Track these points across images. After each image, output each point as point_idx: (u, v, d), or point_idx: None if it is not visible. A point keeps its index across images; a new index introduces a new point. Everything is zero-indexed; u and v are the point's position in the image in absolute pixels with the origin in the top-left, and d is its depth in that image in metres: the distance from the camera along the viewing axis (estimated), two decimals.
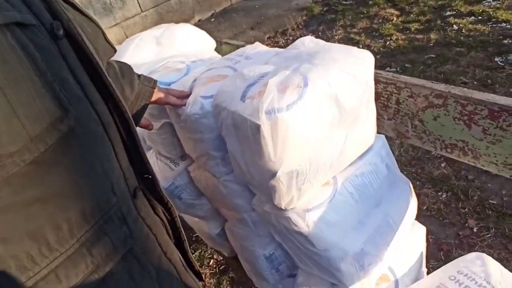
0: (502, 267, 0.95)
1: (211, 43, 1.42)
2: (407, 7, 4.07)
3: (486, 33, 3.30)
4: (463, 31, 3.41)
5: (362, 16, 4.11)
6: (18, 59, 0.42)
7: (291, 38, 4.16)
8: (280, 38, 4.24)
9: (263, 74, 0.88)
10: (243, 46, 1.30)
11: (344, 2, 4.60)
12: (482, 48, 3.11)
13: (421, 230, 1.07)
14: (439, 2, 4.00)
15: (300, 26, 4.37)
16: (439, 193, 2.07)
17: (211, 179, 1.08)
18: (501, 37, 3.20)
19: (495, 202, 1.95)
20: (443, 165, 2.24)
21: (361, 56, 0.86)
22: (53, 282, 0.49)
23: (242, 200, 1.06)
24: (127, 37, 1.36)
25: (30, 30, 0.44)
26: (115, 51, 0.75)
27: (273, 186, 0.84)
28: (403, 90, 1.04)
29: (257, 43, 1.20)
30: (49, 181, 0.47)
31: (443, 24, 3.60)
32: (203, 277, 1.31)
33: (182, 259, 0.75)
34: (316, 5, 4.68)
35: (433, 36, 3.42)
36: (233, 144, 0.90)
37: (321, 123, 0.81)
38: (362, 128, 0.91)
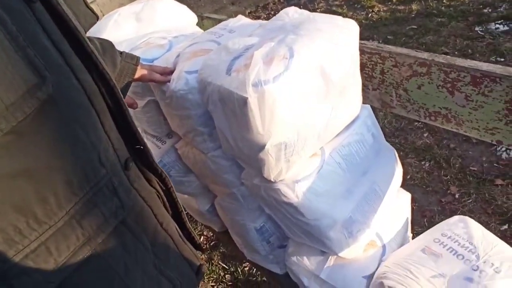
0: (483, 228, 0.99)
1: (193, 18, 1.39)
2: None
3: (467, 2, 3.31)
4: (444, 1, 3.41)
5: None
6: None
7: (272, 12, 4.11)
8: (262, 12, 4.18)
9: (248, 47, 0.87)
10: (225, 20, 1.28)
11: None
12: (462, 18, 3.13)
13: (406, 196, 1.10)
14: None
15: (282, 0, 4.31)
16: (422, 162, 2.12)
17: (199, 155, 1.08)
18: (481, 6, 3.22)
19: (475, 169, 2.01)
20: (425, 135, 2.29)
21: (346, 26, 0.86)
22: (44, 254, 0.49)
23: (231, 175, 1.07)
24: (103, 15, 1.31)
25: None
26: (97, 18, 0.72)
27: (261, 159, 0.85)
28: (387, 60, 1.04)
29: (240, 16, 1.18)
30: (32, 153, 0.46)
31: None
32: None
33: (180, 231, 0.76)
34: None
35: (414, 7, 3.42)
36: (221, 119, 0.89)
37: (308, 94, 0.82)
38: (348, 99, 0.92)
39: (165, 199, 0.73)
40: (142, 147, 0.66)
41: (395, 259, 0.95)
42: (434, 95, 0.99)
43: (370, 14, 3.52)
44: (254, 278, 1.78)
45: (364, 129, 0.98)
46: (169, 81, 0.98)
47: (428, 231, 1.03)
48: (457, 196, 1.90)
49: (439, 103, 0.99)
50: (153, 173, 0.69)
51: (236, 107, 0.80)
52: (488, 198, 1.83)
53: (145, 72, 0.96)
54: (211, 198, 1.29)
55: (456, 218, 1.03)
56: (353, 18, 3.43)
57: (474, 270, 0.88)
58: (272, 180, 0.89)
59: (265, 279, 1.75)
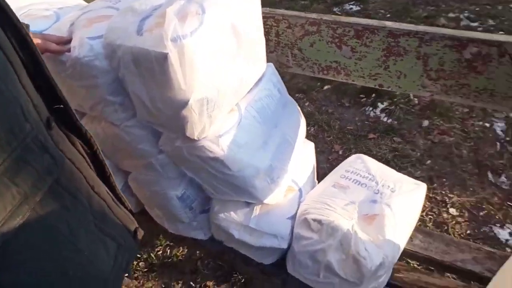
0: (376, 161, 1.17)
1: None
2: None
3: None
4: None
5: None
6: None
7: None
8: None
9: (155, 7, 0.86)
10: None
11: None
12: (322, 1, 3.49)
13: (311, 145, 1.22)
14: None
15: None
16: (308, 128, 2.34)
17: (110, 128, 1.03)
18: None
19: (351, 128, 2.30)
20: (307, 104, 2.52)
21: None
22: None
23: (147, 145, 1.05)
24: None
25: None
26: None
27: (185, 117, 0.86)
28: (281, 22, 1.14)
29: None
30: None
31: None
32: None
33: (111, 194, 0.73)
34: None
35: None
36: (135, 83, 0.87)
37: (223, 49, 0.86)
38: (256, 56, 0.99)
39: (89, 162, 0.69)
40: (63, 106, 0.62)
41: (312, 197, 1.06)
42: (325, 51, 1.12)
43: None
44: (169, 260, 1.77)
45: (271, 85, 1.06)
46: (68, 50, 0.91)
47: (333, 171, 1.17)
48: (340, 152, 2.16)
49: (330, 57, 1.13)
50: (78, 134, 0.65)
51: (154, 65, 0.80)
52: (365, 150, 2.11)
53: (38, 41, 0.87)
54: (123, 177, 1.24)
55: (353, 156, 1.19)
56: None
57: (376, 193, 1.04)
58: (196, 137, 0.91)
59: (181, 258, 1.75)
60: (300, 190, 1.11)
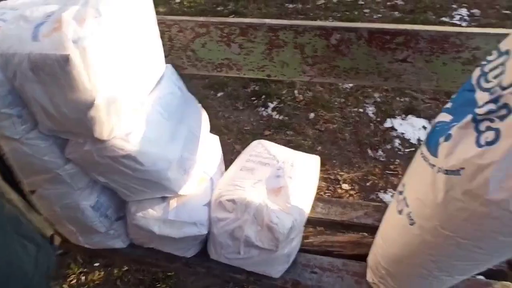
0: (274, 143, 1.31)
1: None
2: None
3: (203, 2, 3.86)
4: (185, 3, 3.86)
5: None
6: None
7: None
8: None
9: (49, 14, 0.88)
10: None
11: None
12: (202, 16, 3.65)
13: (215, 138, 1.32)
14: None
15: None
16: None
17: (9, 144, 0.99)
18: (214, 5, 3.81)
19: (248, 128, 2.46)
20: None
21: None
22: None
23: (52, 156, 1.03)
24: None
25: None
26: None
27: (92, 117, 0.88)
28: (172, 27, 1.22)
29: None
30: None
31: None
32: None
33: (24, 201, 0.73)
34: None
35: (161, 9, 3.74)
36: (36, 90, 0.87)
37: (123, 50, 0.90)
38: (154, 56, 1.05)
39: None
40: None
41: (223, 183, 1.15)
42: (216, 50, 1.23)
43: None
44: (86, 287, 1.69)
45: (172, 84, 1.13)
46: None
47: (238, 157, 1.28)
48: (241, 151, 2.29)
49: (221, 55, 1.24)
50: None
51: (56, 69, 0.81)
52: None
53: None
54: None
55: (254, 142, 1.32)
56: None
57: (278, 169, 1.17)
58: (105, 138, 0.93)
59: (98, 282, 1.69)
60: (211, 179, 1.19)
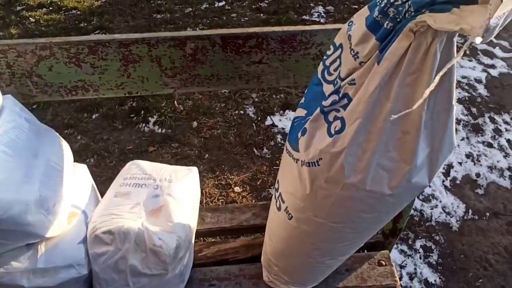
0: (149, 162, 1.25)
1: None
2: None
3: (63, 20, 3.57)
4: (41, 22, 3.54)
5: None
6: None
7: None
8: None
9: None
10: None
11: None
12: (65, 34, 3.38)
13: (83, 167, 1.21)
14: None
15: None
16: (87, 160, 2.25)
17: None
18: (76, 22, 3.56)
19: (131, 147, 2.34)
20: (79, 137, 2.41)
21: None
22: None
23: None
24: None
25: None
26: None
27: None
28: (9, 52, 1.08)
29: None
30: None
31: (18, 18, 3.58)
32: None
33: None
34: None
35: (13, 31, 3.36)
36: None
37: None
38: None
39: None
40: None
41: (99, 213, 1.06)
42: (66, 72, 1.12)
43: None
44: None
45: (16, 116, 0.99)
46: None
47: (113, 183, 1.19)
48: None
49: (73, 77, 1.14)
50: None
51: None
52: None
53: None
54: None
55: (128, 164, 1.24)
56: None
57: (156, 188, 1.12)
58: None
59: None
60: (84, 212, 1.09)
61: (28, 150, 0.98)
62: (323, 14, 3.59)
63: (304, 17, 3.55)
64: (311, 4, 3.73)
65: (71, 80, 1.14)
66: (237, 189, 2.02)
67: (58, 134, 1.15)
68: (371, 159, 0.73)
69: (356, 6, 3.68)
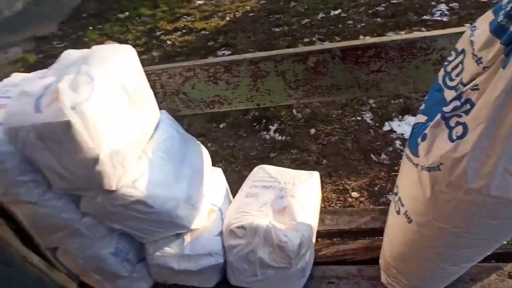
0: (274, 166, 1.37)
1: None
2: (121, 36, 4.45)
3: (195, 40, 4.01)
4: (177, 43, 4.03)
5: None
6: None
7: None
8: None
9: (47, 86, 0.97)
10: None
11: (58, 45, 4.58)
12: (196, 53, 3.79)
13: (219, 170, 1.39)
14: (147, 26, 4.54)
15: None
16: (216, 165, 2.50)
17: (26, 209, 1.07)
18: (205, 41, 3.97)
19: (254, 153, 2.53)
20: (209, 144, 2.70)
21: (124, 50, 1.08)
22: None
23: (69, 212, 1.10)
24: None
25: None
26: None
27: (99, 172, 0.96)
28: (162, 75, 1.31)
29: (14, 74, 1.23)
30: None
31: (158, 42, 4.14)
32: None
33: (44, 262, 0.80)
34: (29, 54, 4.48)
35: (155, 53, 3.90)
36: (45, 156, 0.96)
37: (117, 105, 0.99)
38: (148, 106, 1.14)
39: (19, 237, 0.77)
40: None
41: (232, 210, 1.21)
42: (205, 89, 1.32)
43: None
44: None
45: (169, 128, 1.21)
46: None
47: (243, 185, 1.34)
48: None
49: (211, 93, 1.33)
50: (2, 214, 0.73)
51: (60, 135, 0.90)
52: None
53: None
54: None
55: (255, 168, 1.39)
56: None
57: (281, 190, 1.23)
58: (114, 188, 1.01)
59: None
60: (219, 209, 1.26)
61: (178, 155, 1.18)
62: (446, 12, 3.37)
63: (424, 17, 3.38)
64: (432, 3, 3.53)
65: (209, 96, 1.33)
66: (354, 194, 2.04)
67: (199, 142, 1.34)
68: (497, 165, 0.72)
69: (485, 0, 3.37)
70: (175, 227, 1.14)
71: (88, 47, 1.11)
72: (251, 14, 4.34)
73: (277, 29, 3.88)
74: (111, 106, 0.97)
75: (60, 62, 1.08)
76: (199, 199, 1.17)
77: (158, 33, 4.34)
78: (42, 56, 4.42)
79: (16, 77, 1.20)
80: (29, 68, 4.23)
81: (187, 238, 1.18)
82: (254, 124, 2.75)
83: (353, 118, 2.54)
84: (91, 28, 4.71)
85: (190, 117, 2.95)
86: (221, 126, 2.84)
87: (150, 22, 4.60)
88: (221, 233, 1.20)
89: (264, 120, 2.74)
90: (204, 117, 2.92)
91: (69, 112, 0.88)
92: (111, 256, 1.19)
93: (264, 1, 4.55)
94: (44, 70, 1.14)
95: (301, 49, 1.20)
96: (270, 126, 2.69)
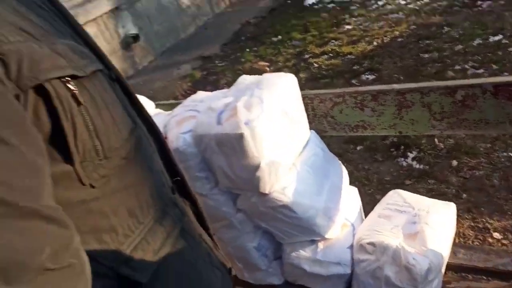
0: (409, 192, 1.43)
1: (152, 104, 1.74)
2: (273, 58, 4.87)
3: (341, 64, 4.18)
4: (323, 66, 4.25)
5: (239, 72, 4.76)
6: (110, 89, 0.67)
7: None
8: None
9: (227, 104, 1.24)
10: (176, 103, 1.63)
11: (219, 64, 5.25)
12: (340, 76, 3.94)
13: (355, 189, 1.50)
14: (297, 49, 4.88)
15: (188, 91, 4.83)
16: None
17: (199, 199, 1.36)
18: (351, 64, 4.09)
19: (389, 178, 2.54)
20: (345, 164, 2.80)
21: (288, 78, 1.29)
22: (145, 245, 0.69)
23: (228, 207, 1.36)
24: None
25: (103, 73, 0.67)
26: None
27: (258, 177, 1.18)
28: (314, 99, 1.50)
29: (199, 92, 1.56)
30: (134, 173, 0.68)
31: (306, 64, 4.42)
32: None
33: (211, 240, 1.01)
34: (196, 71, 5.23)
35: (302, 75, 4.19)
36: (219, 159, 1.22)
37: (279, 124, 1.20)
38: (302, 126, 1.33)
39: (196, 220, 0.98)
40: (180, 178, 0.92)
41: (364, 228, 1.32)
42: (352, 114, 1.45)
43: None
44: None
45: (316, 146, 1.38)
46: None
47: (376, 206, 1.43)
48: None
49: (356, 118, 1.45)
50: (189, 199, 0.95)
51: (234, 144, 1.15)
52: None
53: None
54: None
55: (391, 192, 1.46)
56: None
57: (414, 216, 1.29)
58: (267, 192, 1.22)
59: None
60: (352, 225, 1.37)
61: (321, 171, 1.34)
62: None
63: None
64: None
65: (355, 120, 1.46)
66: (496, 235, 1.90)
67: (340, 162, 1.49)
68: None
69: None
70: (312, 234, 1.30)
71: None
72: (399, 40, 4.30)
73: (426, 55, 3.77)
74: (274, 124, 1.19)
75: (237, 85, 1.35)
76: (335, 212, 1.31)
77: (306, 56, 4.63)
78: (206, 73, 5.12)
79: (201, 94, 1.53)
80: (195, 82, 4.96)
81: (321, 245, 1.32)
82: (392, 149, 2.76)
83: (504, 154, 2.35)
84: (248, 50, 5.27)
85: (329, 137, 3.10)
86: (358, 148, 2.91)
87: (300, 45, 4.93)
88: (351, 247, 1.31)
89: (402, 146, 2.73)
90: (343, 138, 3.03)
91: (243, 126, 1.11)
92: (254, 250, 1.41)
93: (414, 26, 4.46)
94: (224, 90, 1.44)
95: (450, 82, 1.24)
96: (408, 153, 2.66)
